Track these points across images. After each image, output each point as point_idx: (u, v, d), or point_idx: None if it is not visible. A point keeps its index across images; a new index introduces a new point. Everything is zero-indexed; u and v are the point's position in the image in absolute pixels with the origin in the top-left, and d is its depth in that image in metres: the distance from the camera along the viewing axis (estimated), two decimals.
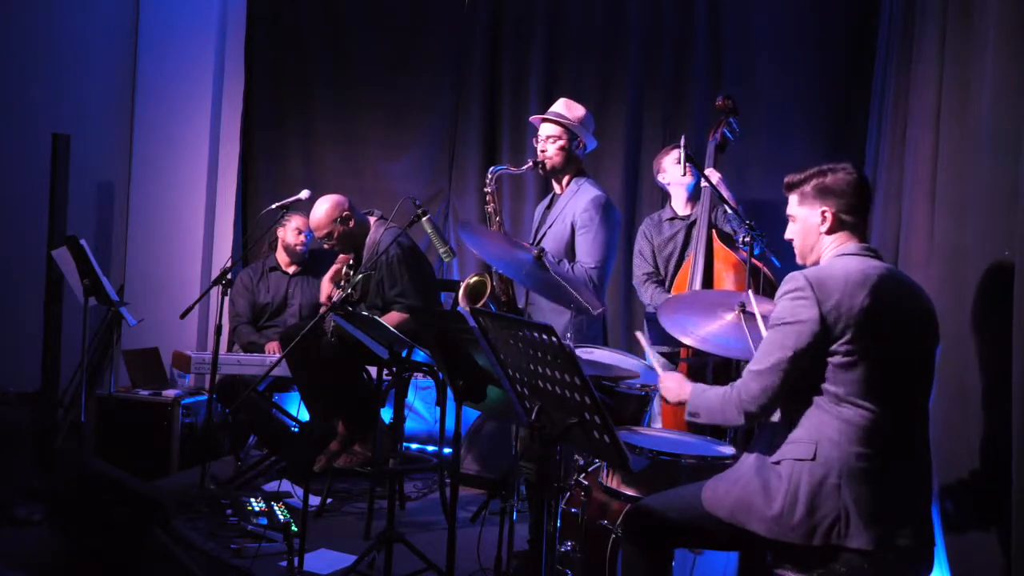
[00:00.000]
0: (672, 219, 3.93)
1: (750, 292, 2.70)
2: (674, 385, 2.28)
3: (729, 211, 3.40)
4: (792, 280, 2.02)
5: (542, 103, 4.67)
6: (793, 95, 4.37)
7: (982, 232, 2.63)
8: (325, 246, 4.08)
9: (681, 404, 2.23)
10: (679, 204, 3.93)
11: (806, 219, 2.15)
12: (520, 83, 4.84)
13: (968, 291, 2.68)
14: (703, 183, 3.63)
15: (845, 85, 4.31)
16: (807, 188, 2.14)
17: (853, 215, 2.11)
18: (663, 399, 2.33)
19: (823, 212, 2.12)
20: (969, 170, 2.76)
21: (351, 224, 3.98)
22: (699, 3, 4.51)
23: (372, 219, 4.05)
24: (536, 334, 1.86)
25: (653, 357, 3.00)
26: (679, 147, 3.27)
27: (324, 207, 3.98)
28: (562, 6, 4.78)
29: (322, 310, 4.03)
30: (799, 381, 1.99)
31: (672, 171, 3.85)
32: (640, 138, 4.64)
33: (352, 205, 4.03)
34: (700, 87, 4.52)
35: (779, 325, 2.01)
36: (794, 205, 2.18)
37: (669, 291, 3.81)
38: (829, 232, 2.12)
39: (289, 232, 4.64)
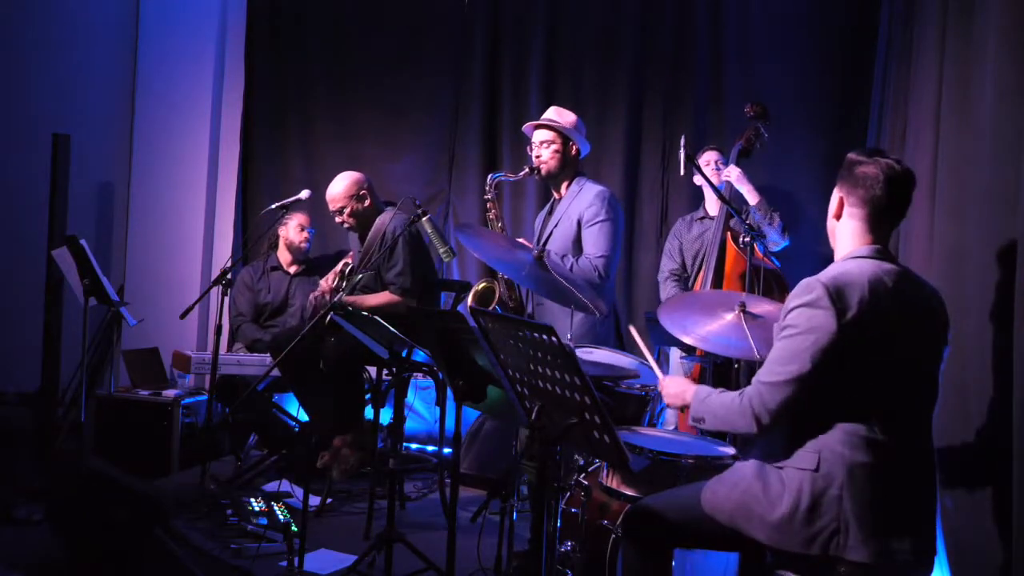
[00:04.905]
0: (702, 219, 4.01)
1: (739, 307, 2.68)
2: (676, 389, 2.20)
3: (742, 212, 3.40)
4: (809, 289, 1.90)
5: (542, 103, 4.66)
6: (793, 95, 4.37)
7: (982, 232, 2.63)
8: (336, 220, 4.10)
9: (684, 409, 2.14)
10: (710, 204, 3.96)
11: (832, 201, 2.07)
12: (520, 83, 4.84)
13: (968, 291, 2.68)
14: (725, 181, 3.66)
15: (845, 84, 4.31)
16: (844, 168, 2.04)
17: (869, 209, 1.98)
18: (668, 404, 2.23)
19: (840, 198, 2.03)
20: (969, 170, 2.76)
21: (366, 203, 4.03)
22: (699, 2, 4.51)
23: (389, 212, 4.02)
24: (536, 334, 1.85)
25: (648, 354, 2.86)
26: (681, 148, 3.27)
27: (343, 183, 4.03)
28: (562, 6, 4.78)
29: (312, 302, 4.03)
30: (816, 393, 1.89)
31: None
32: (640, 138, 4.64)
33: (370, 186, 4.08)
34: (700, 87, 4.51)
35: (797, 335, 1.89)
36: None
37: (691, 291, 3.84)
38: (838, 217, 2.04)
39: (292, 230, 4.67)
